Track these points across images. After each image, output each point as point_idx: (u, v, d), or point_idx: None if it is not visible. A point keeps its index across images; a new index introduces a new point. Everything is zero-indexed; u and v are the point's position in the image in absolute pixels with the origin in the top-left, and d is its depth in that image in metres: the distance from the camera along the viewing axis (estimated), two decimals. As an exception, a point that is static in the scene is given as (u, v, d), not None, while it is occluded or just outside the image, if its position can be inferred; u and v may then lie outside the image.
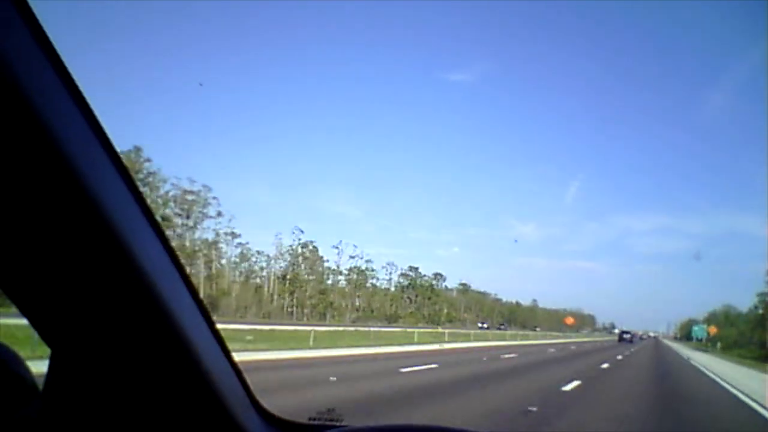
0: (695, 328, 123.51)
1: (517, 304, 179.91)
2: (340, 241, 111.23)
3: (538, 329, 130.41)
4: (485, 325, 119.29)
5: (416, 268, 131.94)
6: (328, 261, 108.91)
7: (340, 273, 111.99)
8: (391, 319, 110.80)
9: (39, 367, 1.24)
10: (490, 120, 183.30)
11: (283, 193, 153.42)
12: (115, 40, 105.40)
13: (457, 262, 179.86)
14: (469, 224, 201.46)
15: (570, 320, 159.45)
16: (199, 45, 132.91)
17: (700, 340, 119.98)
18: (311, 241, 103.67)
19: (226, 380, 1.32)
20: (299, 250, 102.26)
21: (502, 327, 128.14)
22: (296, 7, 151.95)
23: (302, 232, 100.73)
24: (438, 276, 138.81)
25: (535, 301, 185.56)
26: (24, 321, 1.07)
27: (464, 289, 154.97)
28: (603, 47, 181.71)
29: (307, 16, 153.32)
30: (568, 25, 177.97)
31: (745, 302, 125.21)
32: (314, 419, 1.85)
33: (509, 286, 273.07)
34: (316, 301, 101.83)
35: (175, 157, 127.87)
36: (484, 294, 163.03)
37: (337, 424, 1.75)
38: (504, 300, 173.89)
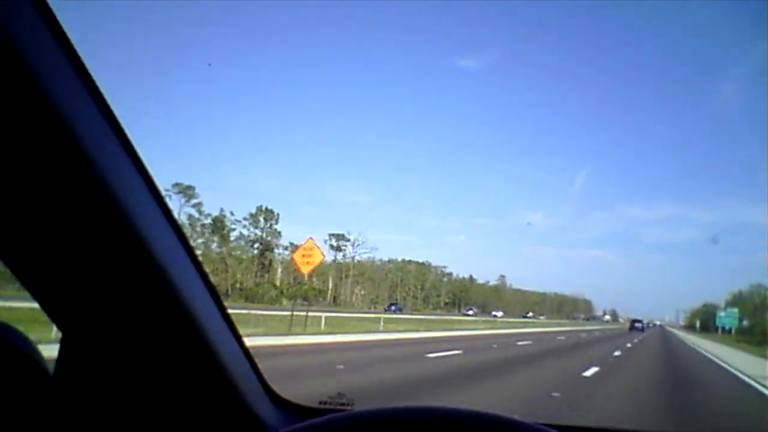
0: (721, 314, 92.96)
1: (494, 287, 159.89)
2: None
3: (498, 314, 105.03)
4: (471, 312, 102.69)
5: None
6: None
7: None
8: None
9: (50, 351, 1.24)
10: (499, 108, 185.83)
11: (291, 180, 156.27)
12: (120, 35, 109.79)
13: (464, 250, 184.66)
14: (477, 213, 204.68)
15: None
16: (212, 31, 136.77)
17: (728, 330, 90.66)
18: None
19: (238, 365, 1.34)
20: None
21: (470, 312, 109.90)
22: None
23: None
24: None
25: (503, 277, 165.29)
26: (35, 304, 1.09)
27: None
28: (613, 37, 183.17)
29: (318, 4, 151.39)
30: (578, 15, 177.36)
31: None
32: (325, 403, 1.89)
33: (517, 275, 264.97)
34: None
35: (181, 145, 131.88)
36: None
37: (347, 407, 1.79)
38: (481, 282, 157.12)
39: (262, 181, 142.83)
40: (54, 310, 1.11)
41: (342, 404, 1.88)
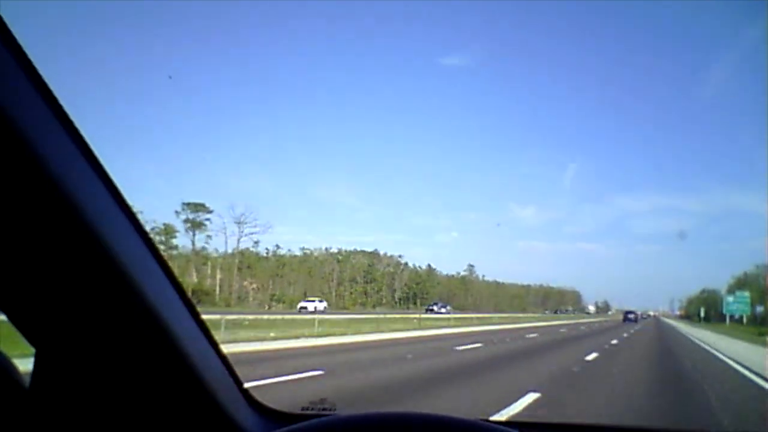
0: (729, 299, 76.46)
1: (460, 279, 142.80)
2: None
3: (441, 308, 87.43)
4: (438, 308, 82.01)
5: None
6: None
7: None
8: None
9: (26, 364, 1.25)
10: (486, 104, 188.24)
11: (279, 182, 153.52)
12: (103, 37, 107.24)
13: (457, 247, 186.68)
14: (468, 209, 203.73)
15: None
16: (194, 36, 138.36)
17: (738, 319, 74.56)
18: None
19: (215, 372, 1.35)
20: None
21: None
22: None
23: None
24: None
25: (471, 267, 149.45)
26: (4, 318, 1.08)
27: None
28: (597, 29, 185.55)
29: (302, 5, 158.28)
30: (562, 8, 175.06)
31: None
32: (307, 408, 1.92)
33: (510, 269, 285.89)
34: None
35: (170, 149, 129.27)
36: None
37: (331, 413, 1.78)
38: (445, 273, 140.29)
39: (250, 184, 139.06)
40: (24, 326, 1.10)
41: (324, 409, 1.90)
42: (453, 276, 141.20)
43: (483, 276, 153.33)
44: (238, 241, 78.53)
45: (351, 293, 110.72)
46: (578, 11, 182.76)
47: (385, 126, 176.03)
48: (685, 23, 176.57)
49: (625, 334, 43.43)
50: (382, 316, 46.99)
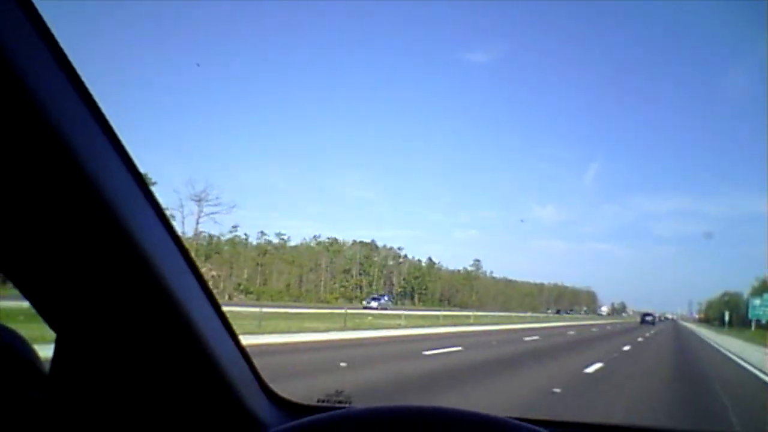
0: (756, 302, 69.24)
1: (464, 275, 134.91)
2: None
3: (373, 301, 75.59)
4: (379, 303, 68.43)
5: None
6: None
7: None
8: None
9: (46, 351, 1.25)
10: (508, 102, 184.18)
11: (298, 176, 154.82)
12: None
13: (475, 245, 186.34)
14: (487, 207, 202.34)
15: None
16: (216, 29, 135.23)
17: (765, 325, 67.79)
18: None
19: (234, 363, 1.37)
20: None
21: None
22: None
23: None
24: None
25: (478, 262, 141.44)
26: (27, 304, 1.10)
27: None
28: (619, 29, 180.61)
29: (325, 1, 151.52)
30: (587, 7, 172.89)
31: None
32: (323, 401, 1.94)
33: (527, 269, 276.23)
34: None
35: (189, 143, 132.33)
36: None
37: (346, 405, 1.82)
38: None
39: (269, 179, 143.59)
40: (46, 311, 1.12)
41: (339, 402, 1.91)
42: (457, 271, 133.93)
43: (491, 272, 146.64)
44: (197, 221, 71.13)
45: (344, 286, 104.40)
46: (602, 11, 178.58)
47: (403, 122, 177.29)
48: (709, 24, 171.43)
49: (640, 338, 37.49)
50: (323, 311, 40.90)
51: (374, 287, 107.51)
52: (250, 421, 1.39)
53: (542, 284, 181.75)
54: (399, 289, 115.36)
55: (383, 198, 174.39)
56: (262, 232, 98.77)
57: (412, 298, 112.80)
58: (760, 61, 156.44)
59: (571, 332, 41.04)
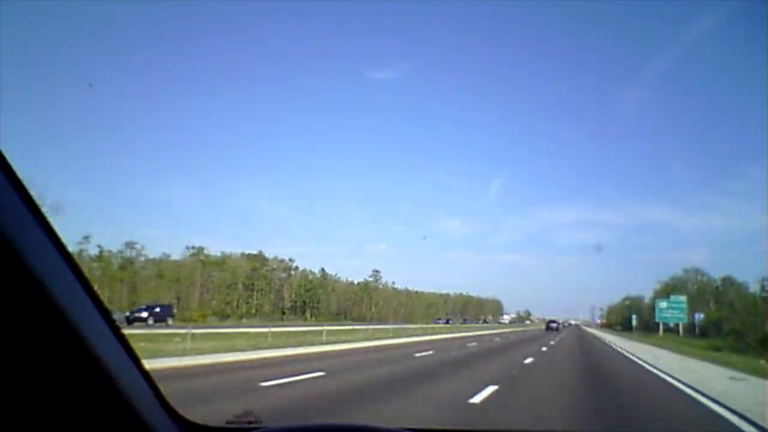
0: (662, 305, 65.40)
1: (362, 286, 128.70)
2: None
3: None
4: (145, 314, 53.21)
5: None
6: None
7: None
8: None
9: None
10: (414, 117, 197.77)
11: (205, 193, 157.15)
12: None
13: (387, 259, 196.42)
14: (397, 221, 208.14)
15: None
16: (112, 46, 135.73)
17: (673, 328, 64.71)
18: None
19: (136, 387, 1.32)
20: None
21: None
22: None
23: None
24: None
25: (377, 273, 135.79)
26: None
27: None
28: (519, 45, 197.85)
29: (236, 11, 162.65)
30: (486, 24, 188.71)
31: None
32: (231, 422, 1.91)
33: (438, 281, 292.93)
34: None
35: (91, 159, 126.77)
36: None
37: (255, 426, 1.80)
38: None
39: (175, 196, 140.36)
40: None
41: (249, 422, 1.87)
42: (354, 283, 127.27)
43: (393, 283, 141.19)
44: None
45: (227, 302, 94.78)
46: (498, 29, 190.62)
47: (310, 139, 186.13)
48: (603, 40, 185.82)
49: (544, 348, 31.78)
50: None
51: (258, 302, 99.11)
52: None
53: (448, 294, 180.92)
54: (289, 304, 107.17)
55: (294, 215, 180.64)
56: (127, 243, 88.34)
57: (304, 312, 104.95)
58: (655, 73, 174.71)
59: (473, 343, 35.04)
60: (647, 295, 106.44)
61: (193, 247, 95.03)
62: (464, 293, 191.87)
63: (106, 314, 1.20)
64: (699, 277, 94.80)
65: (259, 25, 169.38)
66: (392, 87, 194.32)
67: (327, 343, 31.56)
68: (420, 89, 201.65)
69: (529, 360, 22.12)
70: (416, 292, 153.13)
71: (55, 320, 1.03)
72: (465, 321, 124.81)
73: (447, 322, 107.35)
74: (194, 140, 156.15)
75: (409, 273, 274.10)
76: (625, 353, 31.15)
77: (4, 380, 1.08)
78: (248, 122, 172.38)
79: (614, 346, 39.83)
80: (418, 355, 23.51)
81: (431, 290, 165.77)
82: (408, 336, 44.78)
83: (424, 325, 69.58)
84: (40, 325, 1.02)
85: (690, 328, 63.21)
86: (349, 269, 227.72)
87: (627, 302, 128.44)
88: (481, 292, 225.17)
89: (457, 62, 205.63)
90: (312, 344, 29.25)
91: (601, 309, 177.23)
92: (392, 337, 40.88)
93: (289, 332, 38.36)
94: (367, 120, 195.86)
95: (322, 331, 37.59)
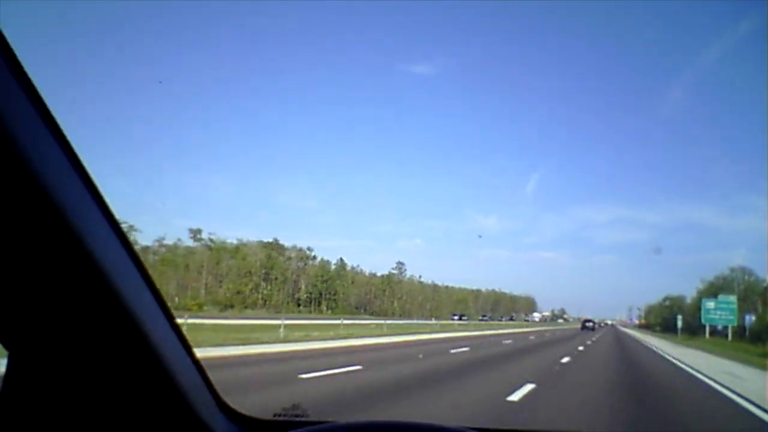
0: (709, 305, 58.36)
1: (385, 278, 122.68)
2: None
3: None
4: None
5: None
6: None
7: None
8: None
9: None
10: (452, 113, 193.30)
11: (242, 186, 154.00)
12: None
13: (420, 254, 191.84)
14: (432, 217, 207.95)
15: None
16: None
17: (721, 331, 58.51)
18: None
19: (189, 378, 1.35)
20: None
21: None
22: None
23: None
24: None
25: (401, 265, 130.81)
26: None
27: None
28: (562, 40, 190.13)
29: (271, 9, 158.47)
30: (524, 21, 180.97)
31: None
32: (279, 415, 1.94)
33: (472, 277, 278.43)
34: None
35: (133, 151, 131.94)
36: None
37: (303, 419, 1.80)
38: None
39: (212, 188, 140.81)
40: None
41: (296, 416, 1.93)
42: (375, 275, 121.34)
43: (420, 276, 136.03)
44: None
45: (240, 292, 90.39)
46: (541, 25, 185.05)
47: (350, 135, 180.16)
48: (650, 37, 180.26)
49: (565, 359, 26.45)
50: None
51: (267, 293, 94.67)
52: None
53: (479, 290, 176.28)
54: (304, 295, 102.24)
55: (328, 208, 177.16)
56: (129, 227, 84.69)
57: (319, 304, 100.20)
58: (699, 73, 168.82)
59: (463, 348, 29.93)
60: (688, 295, 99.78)
61: (195, 231, 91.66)
62: (497, 289, 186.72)
63: (161, 301, 1.22)
64: (746, 277, 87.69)
65: (302, 10, 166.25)
66: (428, 82, 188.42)
67: (333, 338, 27.21)
68: (457, 85, 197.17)
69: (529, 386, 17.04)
70: (445, 286, 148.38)
71: (116, 309, 1.06)
72: (483, 318, 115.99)
73: (461, 318, 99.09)
74: (238, 141, 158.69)
75: (444, 270, 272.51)
76: (679, 363, 25.23)
77: (67, 364, 1.13)
78: (288, 120, 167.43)
79: (661, 353, 33.94)
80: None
81: (462, 285, 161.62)
82: (402, 334, 39.42)
83: (426, 321, 63.29)
84: (103, 316, 1.06)
85: (740, 332, 56.95)
86: (383, 264, 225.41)
87: (667, 302, 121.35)
88: (518, 289, 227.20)
89: (495, 58, 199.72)
90: (312, 340, 25.06)
91: (639, 309, 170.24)
92: (380, 336, 35.12)
93: (266, 325, 34.48)
94: (403, 116, 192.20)
95: (279, 326, 32.88)
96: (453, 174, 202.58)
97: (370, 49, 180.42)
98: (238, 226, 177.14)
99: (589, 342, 38.27)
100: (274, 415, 1.83)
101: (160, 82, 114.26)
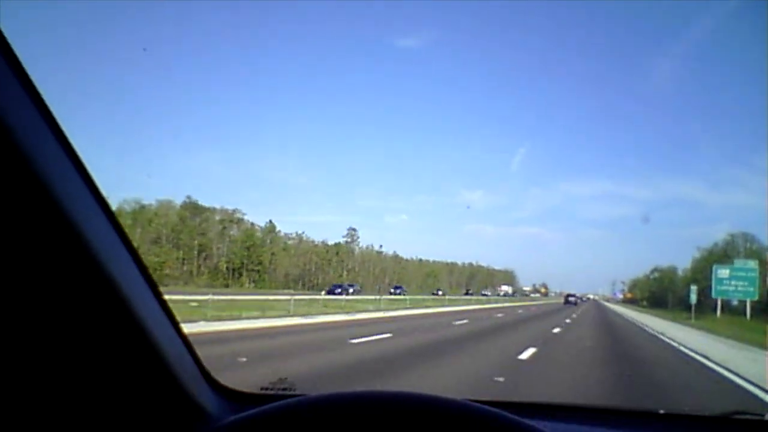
0: (721, 272, 45.56)
1: (333, 247, 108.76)
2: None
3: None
4: None
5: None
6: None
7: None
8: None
9: None
10: (437, 87, 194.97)
11: (229, 161, 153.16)
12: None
13: (406, 229, 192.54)
14: (418, 192, 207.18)
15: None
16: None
17: (736, 307, 46.20)
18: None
19: (176, 353, 1.34)
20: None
21: None
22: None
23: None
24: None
25: (353, 232, 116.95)
26: None
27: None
28: (546, 13, 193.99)
29: None
30: None
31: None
32: (266, 389, 1.94)
33: (456, 253, 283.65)
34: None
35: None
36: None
37: (290, 393, 1.84)
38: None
39: (198, 163, 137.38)
40: None
41: (284, 389, 1.92)
42: (319, 243, 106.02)
43: (380, 247, 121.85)
44: None
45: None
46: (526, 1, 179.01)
47: (334, 108, 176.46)
48: (636, 10, 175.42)
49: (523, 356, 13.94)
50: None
51: (184, 263, 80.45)
52: (195, 411, 1.35)
53: (454, 263, 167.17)
54: (224, 266, 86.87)
55: (316, 183, 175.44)
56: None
57: (240, 276, 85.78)
58: (685, 46, 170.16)
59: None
60: (688, 262, 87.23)
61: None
62: (474, 263, 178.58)
63: (147, 276, 1.21)
64: (748, 244, 75.49)
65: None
66: (415, 55, 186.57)
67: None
68: (443, 59, 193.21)
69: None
70: (418, 260, 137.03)
71: (104, 283, 1.05)
72: (437, 293, 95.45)
73: (436, 293, 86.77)
74: (225, 117, 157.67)
75: (429, 246, 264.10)
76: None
77: (56, 339, 1.10)
78: (270, 91, 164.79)
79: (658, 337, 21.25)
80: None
81: (439, 259, 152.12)
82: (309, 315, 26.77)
83: (375, 297, 49.71)
84: (84, 283, 1.04)
85: (760, 308, 44.28)
86: (371, 240, 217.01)
87: (656, 274, 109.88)
88: (499, 264, 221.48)
89: (482, 32, 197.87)
90: None
91: (623, 282, 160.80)
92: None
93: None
94: (389, 89, 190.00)
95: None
96: (439, 148, 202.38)
97: (356, 21, 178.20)
98: (229, 203, 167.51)
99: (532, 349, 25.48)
100: (261, 389, 1.86)
101: (144, 49, 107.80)
